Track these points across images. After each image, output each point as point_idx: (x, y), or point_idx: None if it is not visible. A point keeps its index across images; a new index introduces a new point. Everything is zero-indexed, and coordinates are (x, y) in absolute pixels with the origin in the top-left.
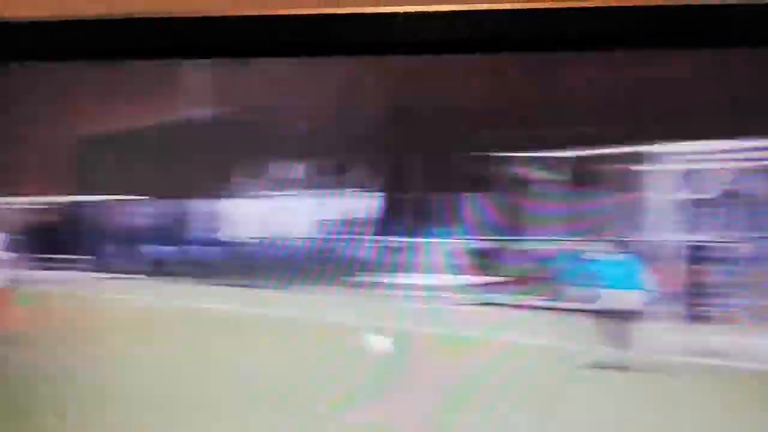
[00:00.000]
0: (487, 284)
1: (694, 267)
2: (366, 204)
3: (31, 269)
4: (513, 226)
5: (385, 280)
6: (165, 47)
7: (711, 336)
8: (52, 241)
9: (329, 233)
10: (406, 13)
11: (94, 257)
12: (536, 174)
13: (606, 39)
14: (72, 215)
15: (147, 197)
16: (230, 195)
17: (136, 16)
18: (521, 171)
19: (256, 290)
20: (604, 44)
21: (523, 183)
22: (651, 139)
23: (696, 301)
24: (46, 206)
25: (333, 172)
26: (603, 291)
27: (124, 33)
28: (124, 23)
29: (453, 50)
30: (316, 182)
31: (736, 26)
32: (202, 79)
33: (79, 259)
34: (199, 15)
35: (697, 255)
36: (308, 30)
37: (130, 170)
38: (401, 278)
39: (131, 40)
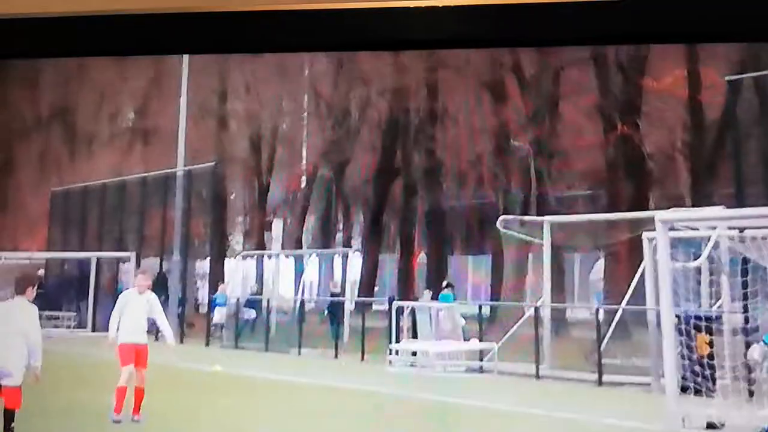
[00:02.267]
0: (485, 350)
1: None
2: (362, 266)
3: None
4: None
5: (387, 346)
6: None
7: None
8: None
9: (327, 295)
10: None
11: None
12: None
13: (611, 34)
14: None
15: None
16: (225, 255)
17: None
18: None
19: (261, 353)
20: (609, 40)
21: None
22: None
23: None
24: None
25: (326, 233)
26: None
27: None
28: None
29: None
30: (308, 242)
31: None
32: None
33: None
34: (203, 11)
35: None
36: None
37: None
38: (402, 344)
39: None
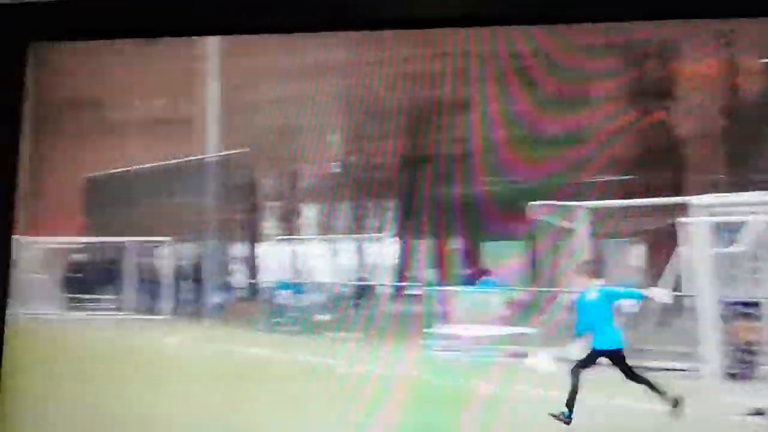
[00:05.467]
0: (520, 335)
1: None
2: (395, 251)
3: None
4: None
5: (419, 330)
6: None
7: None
8: (81, 282)
9: (359, 280)
10: None
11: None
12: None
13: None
14: (97, 257)
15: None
16: (256, 240)
17: None
18: (556, 221)
19: (286, 336)
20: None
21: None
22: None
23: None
24: (76, 246)
25: (358, 218)
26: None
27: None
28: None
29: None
30: (342, 227)
31: None
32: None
33: (105, 299)
34: None
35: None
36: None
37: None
38: (436, 328)
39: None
